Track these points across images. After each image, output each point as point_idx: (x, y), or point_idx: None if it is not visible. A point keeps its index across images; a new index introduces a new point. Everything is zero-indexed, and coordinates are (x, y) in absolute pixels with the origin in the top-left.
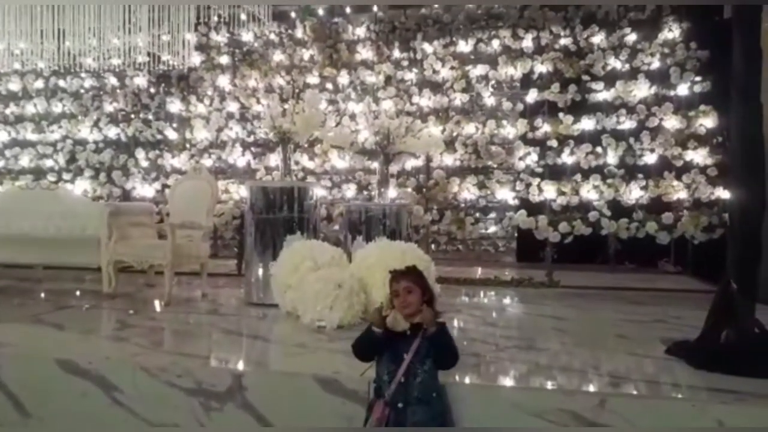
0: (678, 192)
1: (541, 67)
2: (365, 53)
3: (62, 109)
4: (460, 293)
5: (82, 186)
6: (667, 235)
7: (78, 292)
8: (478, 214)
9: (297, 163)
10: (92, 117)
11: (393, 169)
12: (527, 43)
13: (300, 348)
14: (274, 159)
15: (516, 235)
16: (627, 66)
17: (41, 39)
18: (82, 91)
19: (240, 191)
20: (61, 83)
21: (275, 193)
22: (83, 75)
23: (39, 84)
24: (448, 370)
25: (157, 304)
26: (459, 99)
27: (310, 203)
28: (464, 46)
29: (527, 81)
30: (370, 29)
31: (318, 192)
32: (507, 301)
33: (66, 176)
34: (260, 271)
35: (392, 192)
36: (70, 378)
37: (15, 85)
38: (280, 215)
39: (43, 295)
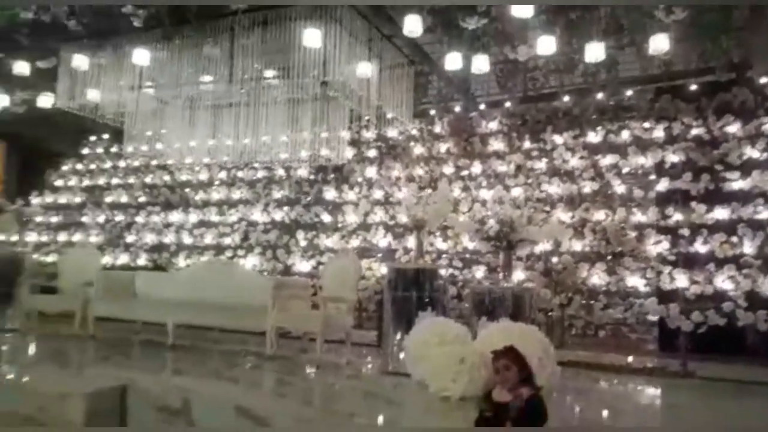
0: None
1: (673, 157)
2: (497, 144)
3: (239, 196)
4: (589, 378)
5: (252, 261)
6: None
7: (245, 353)
8: (609, 300)
9: (431, 244)
10: (263, 202)
11: (521, 253)
12: (658, 133)
13: (426, 412)
14: (412, 240)
15: (656, 322)
16: (765, 155)
17: (226, 138)
18: (255, 180)
19: (381, 269)
20: (239, 174)
21: (409, 274)
22: (257, 167)
23: (222, 175)
24: None
25: (308, 367)
26: (589, 186)
27: (439, 283)
28: (594, 137)
29: (659, 169)
30: (502, 123)
31: (447, 273)
32: (636, 389)
33: (240, 252)
34: (395, 343)
35: (520, 274)
36: (243, 421)
37: (204, 176)
38: (413, 293)
39: (218, 354)
